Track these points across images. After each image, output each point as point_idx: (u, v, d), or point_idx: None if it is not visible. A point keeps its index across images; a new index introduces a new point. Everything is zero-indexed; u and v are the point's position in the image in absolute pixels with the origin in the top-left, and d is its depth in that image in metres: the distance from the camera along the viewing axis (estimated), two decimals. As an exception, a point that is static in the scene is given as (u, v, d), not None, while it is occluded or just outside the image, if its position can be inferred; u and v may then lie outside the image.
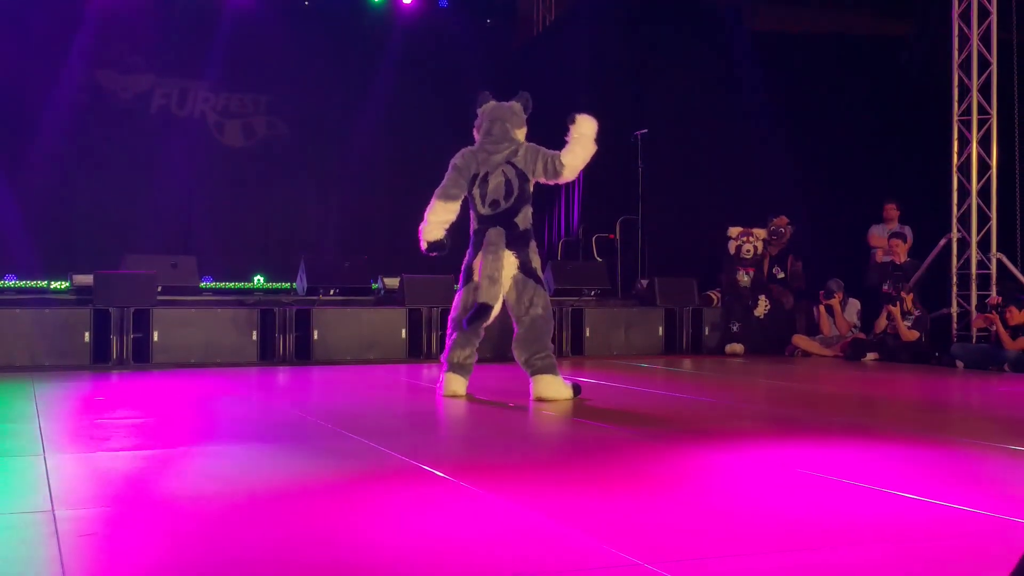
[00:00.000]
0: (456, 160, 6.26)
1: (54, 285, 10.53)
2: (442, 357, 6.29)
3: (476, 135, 6.33)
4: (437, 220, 6.20)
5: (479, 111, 6.33)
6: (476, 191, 6.13)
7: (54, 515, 3.04)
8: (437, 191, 6.26)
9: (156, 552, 2.71)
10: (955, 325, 9.62)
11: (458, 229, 6.35)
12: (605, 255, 11.69)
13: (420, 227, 6.28)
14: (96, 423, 5.10)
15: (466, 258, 6.19)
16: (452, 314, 6.21)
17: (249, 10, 12.51)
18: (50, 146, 11.72)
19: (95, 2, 11.84)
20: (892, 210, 10.50)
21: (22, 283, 10.72)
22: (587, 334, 9.98)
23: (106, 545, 2.78)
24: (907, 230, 10.34)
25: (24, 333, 8.18)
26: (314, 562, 2.61)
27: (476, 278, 5.99)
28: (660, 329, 10.40)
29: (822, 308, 10.04)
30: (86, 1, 11.82)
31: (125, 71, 12.37)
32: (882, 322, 9.42)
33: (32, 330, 8.21)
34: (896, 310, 9.27)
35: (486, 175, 6.12)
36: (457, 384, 6.14)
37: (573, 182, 12.62)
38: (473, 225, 6.21)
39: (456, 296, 6.25)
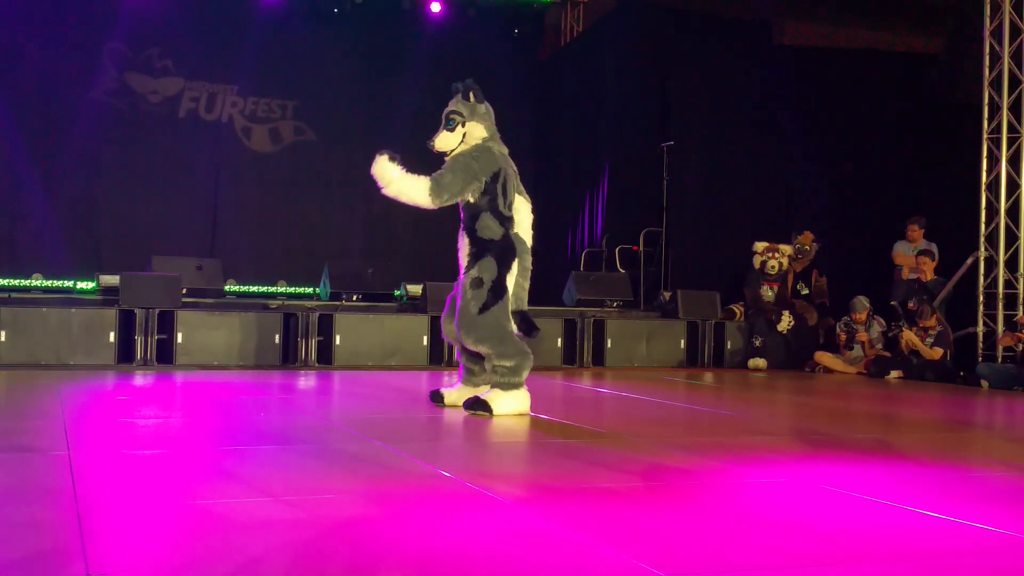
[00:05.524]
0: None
1: (80, 285, 10.65)
2: (515, 379, 5.72)
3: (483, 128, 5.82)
4: None
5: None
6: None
7: (78, 512, 3.06)
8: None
9: (178, 551, 2.73)
10: (981, 344, 9.54)
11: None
12: (628, 266, 11.67)
13: None
14: (121, 422, 5.14)
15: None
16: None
17: (278, 16, 12.62)
18: (80, 148, 11.87)
19: (126, 6, 11.97)
20: (916, 228, 10.44)
21: (49, 282, 10.84)
22: (608, 345, 9.96)
23: (129, 544, 2.80)
24: (933, 247, 10.26)
25: (51, 332, 8.26)
26: (334, 565, 2.62)
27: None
28: (682, 342, 10.38)
29: (842, 333, 9.97)
30: (117, 5, 11.95)
31: (155, 75, 12.50)
32: (903, 343, 9.35)
33: (58, 329, 8.29)
34: (912, 334, 9.20)
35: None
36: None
37: (597, 192, 12.72)
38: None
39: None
